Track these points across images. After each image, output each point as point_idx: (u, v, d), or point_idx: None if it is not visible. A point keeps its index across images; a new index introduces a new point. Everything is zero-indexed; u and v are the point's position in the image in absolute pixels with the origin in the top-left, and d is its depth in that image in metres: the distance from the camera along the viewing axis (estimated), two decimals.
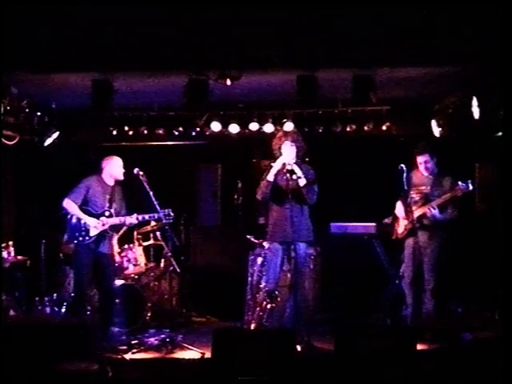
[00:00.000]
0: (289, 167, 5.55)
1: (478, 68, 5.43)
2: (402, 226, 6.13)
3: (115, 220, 5.89)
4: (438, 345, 5.35)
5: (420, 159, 6.03)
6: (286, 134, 5.90)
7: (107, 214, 5.87)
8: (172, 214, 5.94)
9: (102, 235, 5.87)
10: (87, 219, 5.80)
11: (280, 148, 5.70)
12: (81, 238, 5.80)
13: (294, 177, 5.50)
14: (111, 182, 5.99)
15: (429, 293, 5.89)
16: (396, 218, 6.24)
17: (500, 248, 4.62)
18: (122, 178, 6.01)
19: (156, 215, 5.89)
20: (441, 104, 7.01)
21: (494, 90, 5.67)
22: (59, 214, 5.93)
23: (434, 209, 5.82)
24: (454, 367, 4.73)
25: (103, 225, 5.83)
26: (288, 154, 5.63)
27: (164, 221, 5.89)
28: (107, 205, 5.90)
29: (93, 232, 5.81)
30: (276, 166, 5.63)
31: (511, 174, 4.43)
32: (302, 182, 5.54)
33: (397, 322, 6.08)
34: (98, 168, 6.01)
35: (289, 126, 7.19)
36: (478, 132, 6.51)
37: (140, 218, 5.94)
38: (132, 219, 5.93)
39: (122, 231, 6.40)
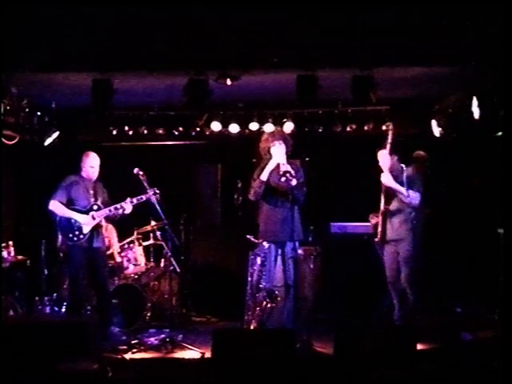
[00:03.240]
0: (283, 167, 5.53)
1: (478, 68, 5.43)
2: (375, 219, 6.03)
3: (105, 211, 5.86)
4: (438, 345, 5.35)
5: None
6: (274, 134, 5.89)
7: (95, 207, 5.86)
8: (157, 191, 5.74)
9: (96, 230, 5.86)
10: (77, 217, 5.79)
11: (269, 149, 5.71)
12: (75, 238, 5.79)
13: (289, 176, 5.50)
14: (91, 178, 5.95)
15: (409, 288, 5.74)
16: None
17: (500, 248, 4.62)
18: (96, 174, 5.94)
19: (144, 196, 5.74)
20: (441, 104, 7.02)
21: (494, 89, 5.68)
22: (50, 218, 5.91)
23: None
24: (454, 367, 4.73)
25: (94, 219, 5.81)
26: (279, 154, 5.64)
27: (153, 199, 5.70)
28: (92, 199, 5.88)
29: (86, 229, 5.80)
30: (270, 166, 5.65)
31: (511, 173, 4.43)
32: (294, 181, 5.54)
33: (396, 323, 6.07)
34: (78, 166, 5.98)
35: (289, 126, 7.21)
36: (478, 132, 6.52)
37: (128, 201, 5.81)
38: (127, 205, 5.81)
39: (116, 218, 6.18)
